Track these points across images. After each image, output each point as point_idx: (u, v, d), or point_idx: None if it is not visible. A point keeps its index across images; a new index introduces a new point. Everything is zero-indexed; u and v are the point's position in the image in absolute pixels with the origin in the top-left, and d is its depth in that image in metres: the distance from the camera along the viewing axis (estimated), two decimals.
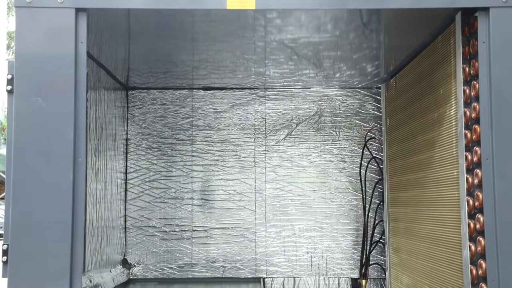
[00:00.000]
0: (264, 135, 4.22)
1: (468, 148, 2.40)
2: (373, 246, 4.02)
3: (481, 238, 2.28)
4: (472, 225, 2.35)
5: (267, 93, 4.23)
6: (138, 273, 4.08)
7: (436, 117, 2.80)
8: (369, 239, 4.02)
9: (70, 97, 2.34)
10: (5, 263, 2.36)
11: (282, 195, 4.19)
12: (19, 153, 2.34)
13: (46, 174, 2.33)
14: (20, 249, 2.33)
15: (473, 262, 2.33)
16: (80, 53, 2.37)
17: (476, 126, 2.33)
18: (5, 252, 2.36)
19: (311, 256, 4.13)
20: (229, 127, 4.22)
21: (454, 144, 2.56)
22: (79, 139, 2.36)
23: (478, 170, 2.31)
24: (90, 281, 3.08)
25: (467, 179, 2.38)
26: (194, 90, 4.23)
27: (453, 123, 2.58)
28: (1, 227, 11.62)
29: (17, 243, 2.33)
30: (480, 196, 2.29)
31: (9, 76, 2.43)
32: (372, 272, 4.07)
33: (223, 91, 4.23)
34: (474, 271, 2.32)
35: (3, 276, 2.36)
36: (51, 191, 2.32)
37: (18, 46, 2.38)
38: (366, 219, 4.05)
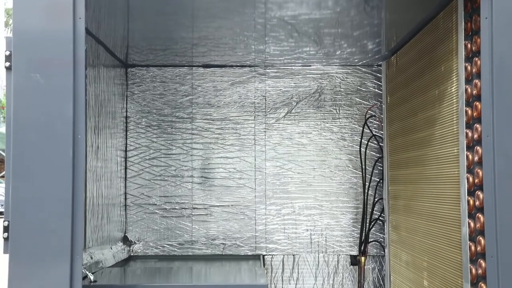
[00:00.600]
0: (264, 113, 4.20)
1: (469, 125, 2.39)
2: (372, 223, 4.04)
3: (480, 215, 2.28)
4: (471, 202, 2.36)
5: (267, 70, 4.21)
6: (139, 250, 4.11)
7: (437, 94, 2.79)
8: (368, 216, 4.04)
9: (69, 73, 2.33)
10: (6, 239, 2.37)
11: (282, 173, 4.19)
12: (18, 130, 2.34)
13: (46, 151, 2.32)
14: (20, 226, 2.34)
15: (472, 238, 2.34)
16: (78, 29, 2.34)
17: (477, 103, 2.32)
18: (6, 229, 2.37)
19: (310, 233, 4.15)
20: (229, 105, 4.20)
21: (454, 121, 2.56)
22: (79, 116, 2.35)
23: (478, 147, 2.31)
24: (91, 258, 3.10)
25: (467, 156, 2.38)
26: (193, 67, 4.20)
27: (454, 100, 2.57)
28: (2, 205, 11.67)
29: (17, 220, 2.34)
30: (480, 173, 2.28)
31: (7, 53, 2.41)
32: (371, 249, 4.09)
33: (223, 68, 4.21)
34: (472, 248, 2.33)
35: (4, 252, 2.37)
36: (51, 168, 2.32)
37: (16, 22, 2.36)
38: (365, 197, 4.06)
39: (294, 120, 4.20)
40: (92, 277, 2.82)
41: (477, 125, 2.32)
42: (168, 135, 4.18)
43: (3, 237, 2.37)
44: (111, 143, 3.70)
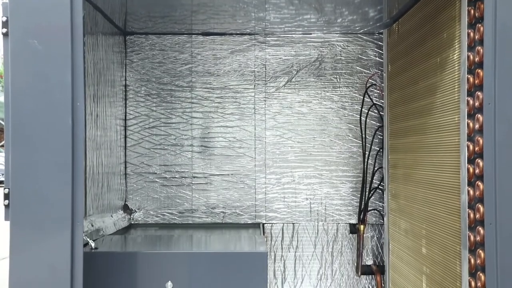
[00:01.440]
0: (264, 81, 4.18)
1: (470, 93, 2.37)
2: (372, 192, 4.06)
3: (479, 183, 2.29)
4: (471, 170, 2.36)
5: (267, 39, 4.17)
6: (139, 218, 4.14)
7: (439, 62, 2.76)
8: (368, 185, 4.05)
9: (67, 40, 2.30)
10: (6, 206, 2.38)
11: (281, 142, 4.19)
12: (17, 97, 2.33)
13: (45, 118, 2.31)
14: (21, 194, 2.34)
15: (471, 206, 2.35)
16: None
17: (479, 70, 2.30)
18: (6, 196, 2.38)
19: (310, 202, 4.17)
20: (229, 73, 4.17)
21: (456, 89, 2.54)
22: (77, 83, 2.33)
23: (479, 115, 2.30)
24: (92, 225, 3.12)
25: (468, 124, 2.37)
26: (193, 35, 4.16)
27: (456, 68, 2.54)
28: (2, 174, 11.72)
29: (17, 187, 2.35)
30: (481, 141, 2.28)
31: (4, 19, 2.38)
32: (371, 218, 4.12)
33: (223, 36, 4.16)
34: (471, 215, 2.34)
35: (6, 219, 2.39)
36: (50, 135, 2.32)
37: None
38: (365, 166, 4.07)
39: (294, 89, 4.18)
40: (93, 244, 2.84)
41: (479, 93, 2.30)
42: (167, 104, 4.16)
43: (4, 204, 2.39)
44: (110, 111, 3.68)
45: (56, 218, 2.33)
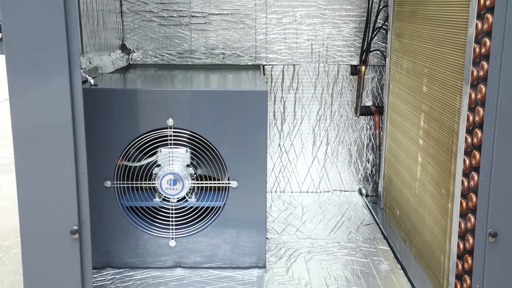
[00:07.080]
0: None
1: None
2: (375, 32, 3.95)
3: (489, 15, 2.19)
4: (482, 1, 2.24)
5: None
6: (138, 59, 4.08)
7: None
8: (371, 25, 3.93)
9: None
10: (0, 40, 2.31)
11: None
12: None
13: None
14: (12, 25, 2.26)
15: (478, 40, 2.28)
16: None
17: None
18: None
19: (311, 43, 4.08)
20: None
21: None
22: None
23: None
24: (90, 63, 3.07)
25: None
26: None
27: None
28: None
29: (8, 20, 2.26)
30: None
31: None
32: (372, 59, 4.06)
33: None
34: (477, 49, 2.28)
35: (1, 53, 2.33)
36: None
37: None
38: (370, 5, 3.91)
39: None
40: (92, 81, 2.82)
41: None
42: None
43: None
44: None
45: (51, 50, 2.27)
